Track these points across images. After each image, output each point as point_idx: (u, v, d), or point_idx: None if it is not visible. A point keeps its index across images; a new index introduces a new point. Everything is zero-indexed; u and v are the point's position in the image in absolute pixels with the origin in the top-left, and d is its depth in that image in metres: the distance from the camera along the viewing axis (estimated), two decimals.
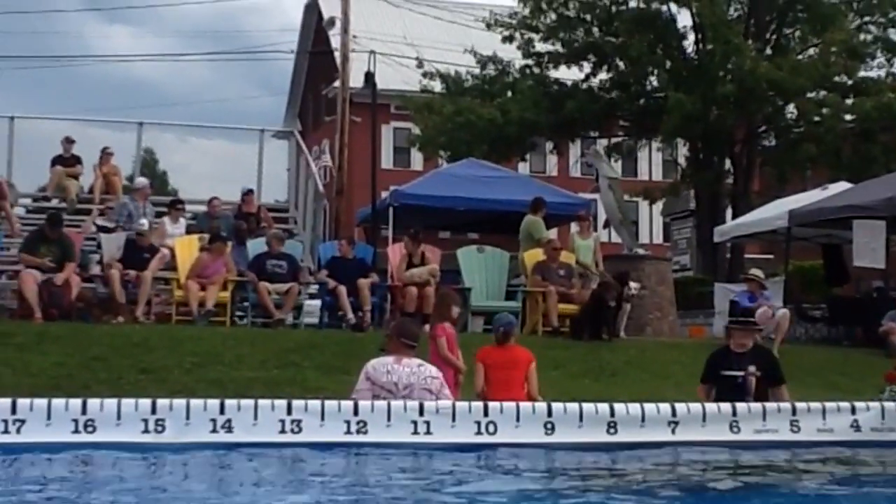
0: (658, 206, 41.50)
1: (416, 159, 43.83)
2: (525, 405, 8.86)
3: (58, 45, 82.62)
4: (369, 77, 26.77)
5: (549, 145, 38.26)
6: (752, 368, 10.22)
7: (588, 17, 33.79)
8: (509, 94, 34.03)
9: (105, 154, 23.70)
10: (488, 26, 34.27)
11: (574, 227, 20.97)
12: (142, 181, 22.19)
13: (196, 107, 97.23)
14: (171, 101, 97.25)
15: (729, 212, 34.23)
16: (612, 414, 8.87)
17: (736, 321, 11.08)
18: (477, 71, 34.90)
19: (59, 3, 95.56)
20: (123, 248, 17.91)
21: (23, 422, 8.10)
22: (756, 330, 10.88)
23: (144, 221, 18.48)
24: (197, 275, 17.49)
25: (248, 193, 21.72)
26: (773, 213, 22.73)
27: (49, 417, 8.16)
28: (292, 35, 63.98)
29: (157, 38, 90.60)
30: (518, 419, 8.64)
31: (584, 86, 34.42)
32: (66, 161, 23.26)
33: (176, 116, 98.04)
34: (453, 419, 8.54)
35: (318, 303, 18.44)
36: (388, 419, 8.45)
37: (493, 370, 11.28)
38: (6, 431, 8.08)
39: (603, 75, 34.45)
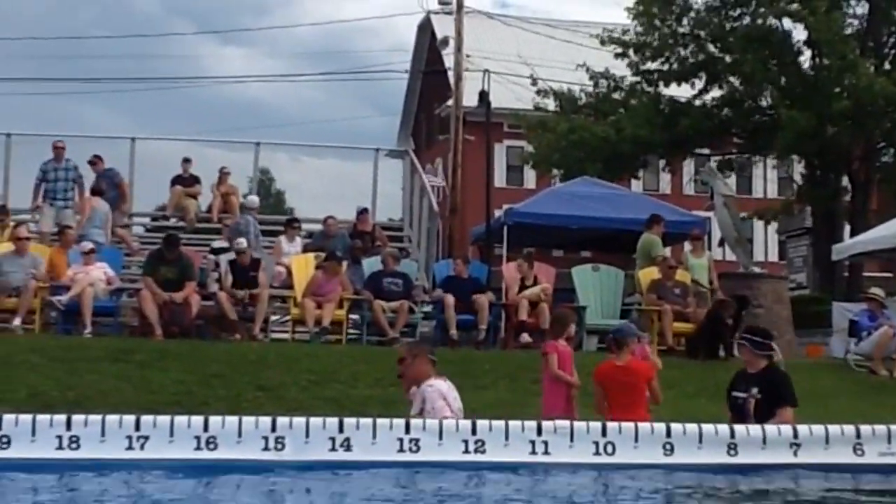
0: (773, 224, 41.03)
1: (529, 178, 43.82)
2: (644, 426, 8.77)
3: (174, 68, 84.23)
4: (483, 96, 26.89)
5: (661, 163, 38.03)
6: (753, 391, 9.87)
7: (701, 33, 33.56)
8: (622, 111, 33.90)
9: (223, 174, 24.05)
10: (602, 43, 34.15)
11: (687, 245, 20.80)
12: (253, 199, 22.44)
13: (307, 127, 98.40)
14: (283, 121, 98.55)
15: (846, 229, 33.72)
16: (733, 435, 8.76)
17: (741, 338, 10.81)
18: (590, 88, 34.83)
19: (175, 27, 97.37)
20: (229, 267, 18.13)
21: (146, 438, 8.22)
22: (758, 353, 10.26)
23: (242, 240, 18.64)
24: (313, 293, 17.65)
25: (363, 212, 21.86)
26: (893, 230, 22.33)
27: (172, 434, 8.26)
28: (402, 55, 64.49)
29: (270, 59, 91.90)
30: (636, 440, 8.58)
31: (698, 102, 34.17)
32: (186, 181, 23.63)
33: (288, 136, 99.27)
34: (571, 439, 8.50)
35: (432, 323, 18.54)
36: (507, 438, 8.43)
37: (612, 392, 11.04)
38: (130, 448, 8.19)
39: (716, 92, 34.18)
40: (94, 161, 22.20)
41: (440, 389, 9.35)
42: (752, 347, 10.07)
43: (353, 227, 21.38)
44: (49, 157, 21.48)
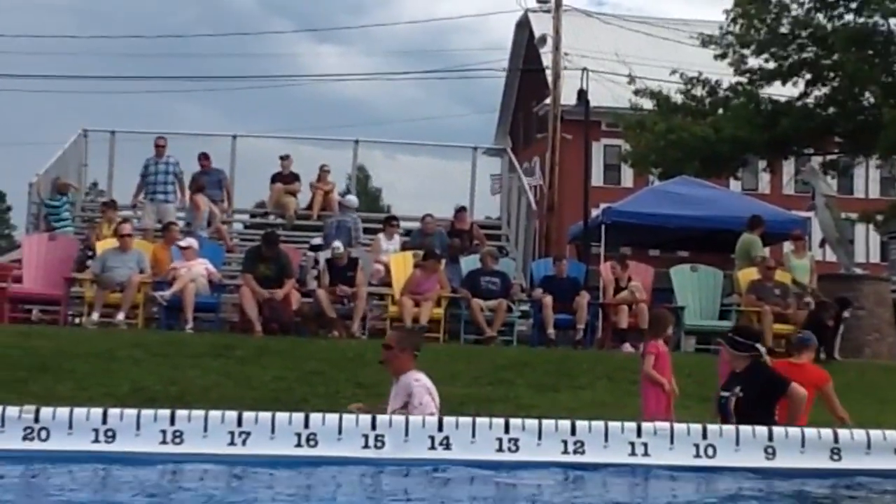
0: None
1: (627, 176, 43.62)
2: (745, 429, 8.67)
3: (272, 66, 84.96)
4: (582, 94, 26.75)
5: (761, 163, 37.60)
6: (736, 389, 9.65)
7: (802, 33, 33.12)
8: (720, 111, 33.55)
9: (322, 171, 24.21)
10: (703, 44, 33.83)
11: (788, 245, 20.57)
12: (352, 199, 22.55)
13: (403, 125, 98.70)
14: (379, 119, 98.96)
15: None
16: (836, 440, 8.64)
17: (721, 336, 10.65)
18: (687, 87, 34.51)
19: (273, 26, 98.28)
20: (327, 264, 18.26)
21: (248, 434, 8.30)
22: (737, 354, 9.99)
23: (338, 244, 18.71)
24: (411, 291, 17.73)
25: (461, 211, 21.89)
26: None
27: (273, 431, 8.34)
28: (499, 53, 64.55)
29: (366, 57, 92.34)
30: (738, 443, 8.50)
31: (799, 103, 33.72)
32: (285, 178, 23.82)
33: (384, 134, 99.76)
34: (671, 441, 8.44)
35: (529, 321, 18.53)
36: (606, 439, 8.40)
37: None
38: (232, 443, 8.28)
39: (817, 92, 33.71)
40: (203, 158, 22.47)
41: (427, 385, 9.39)
42: (730, 347, 9.86)
43: (450, 226, 21.41)
44: (151, 154, 21.85)
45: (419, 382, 9.37)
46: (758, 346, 9.84)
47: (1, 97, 26.83)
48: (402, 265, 18.73)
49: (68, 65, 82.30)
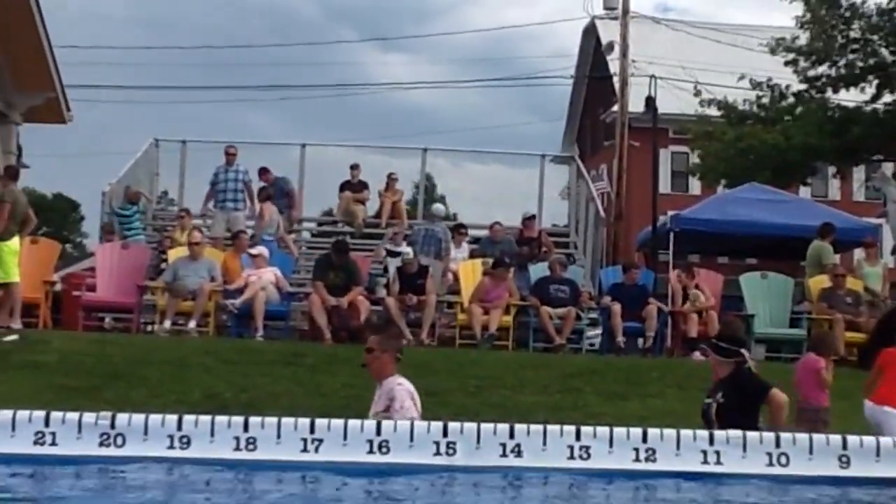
0: None
1: (694, 184, 43.29)
2: (819, 437, 8.59)
3: (338, 75, 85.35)
4: (650, 102, 26.65)
5: (831, 169, 37.23)
6: (717, 395, 9.53)
7: (874, 38, 32.77)
8: (788, 118, 33.25)
9: (390, 179, 24.33)
10: (772, 51, 33.56)
11: (859, 253, 20.37)
12: (440, 207, 22.52)
13: (469, 133, 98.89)
14: (445, 127, 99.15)
15: None
16: None
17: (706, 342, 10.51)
18: (755, 94, 34.24)
19: (338, 35, 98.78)
20: (397, 272, 18.33)
21: (321, 441, 8.35)
22: (721, 360, 9.85)
23: (409, 249, 18.78)
24: (480, 299, 17.76)
25: (529, 219, 21.87)
26: None
27: (345, 438, 8.37)
28: (564, 61, 64.43)
29: (433, 65, 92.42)
30: (811, 452, 8.42)
31: (868, 108, 33.36)
32: (354, 187, 23.96)
33: (450, 142, 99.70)
34: (744, 449, 8.38)
35: (598, 329, 18.49)
36: (678, 448, 8.36)
37: (890, 373, 11.27)
38: (305, 450, 8.33)
39: (888, 97, 33.33)
40: (263, 173, 22.59)
41: (409, 389, 9.35)
42: (714, 353, 9.80)
43: (519, 234, 21.41)
44: (221, 163, 22.01)
45: (402, 386, 9.35)
46: (742, 351, 9.79)
47: (74, 107, 27.18)
48: (470, 273, 18.77)
49: (140, 75, 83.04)
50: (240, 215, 21.37)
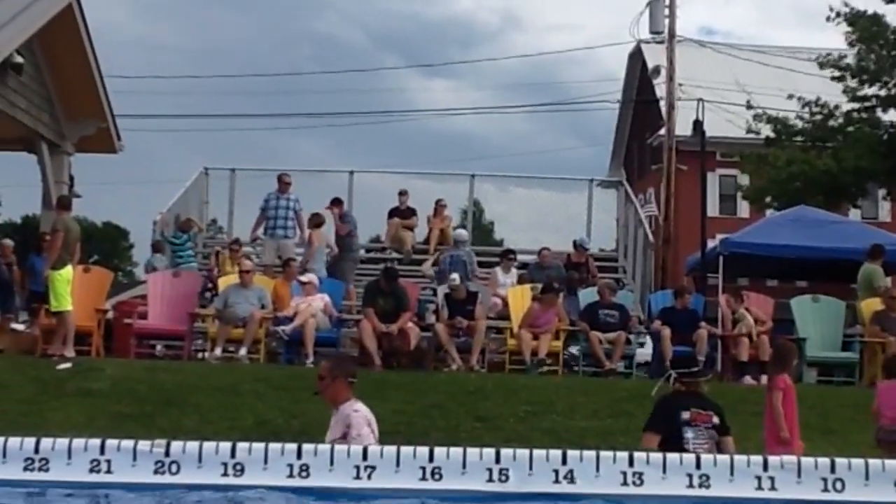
0: None
1: (743, 207, 43.16)
2: (875, 462, 8.49)
3: (384, 102, 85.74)
4: (697, 125, 26.52)
5: (881, 191, 36.98)
6: None
7: None
8: (840, 138, 33.04)
9: (438, 206, 24.38)
10: (821, 66, 33.38)
11: None
12: (462, 233, 22.59)
13: (515, 158, 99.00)
14: (490, 152, 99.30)
15: None
16: None
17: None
18: (805, 115, 34.07)
19: (383, 62, 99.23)
20: (446, 298, 18.37)
21: (374, 468, 8.36)
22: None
23: (455, 276, 18.82)
24: (529, 324, 17.76)
25: (579, 245, 21.90)
26: None
27: (398, 465, 8.37)
28: (608, 85, 64.46)
29: (477, 91, 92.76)
30: (867, 477, 8.33)
31: None
32: (403, 213, 24.03)
33: (495, 167, 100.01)
34: (798, 475, 8.32)
35: (648, 353, 18.44)
36: (731, 473, 8.29)
37: None
38: (358, 477, 8.34)
39: None
40: (336, 204, 22.55)
41: (366, 415, 9.39)
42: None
43: (567, 259, 21.40)
44: (271, 190, 22.07)
45: (358, 413, 9.39)
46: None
47: (123, 136, 27.43)
48: (519, 298, 18.78)
49: (188, 103, 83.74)
50: (289, 243, 21.44)
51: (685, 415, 9.65)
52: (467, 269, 20.40)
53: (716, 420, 9.51)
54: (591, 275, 21.18)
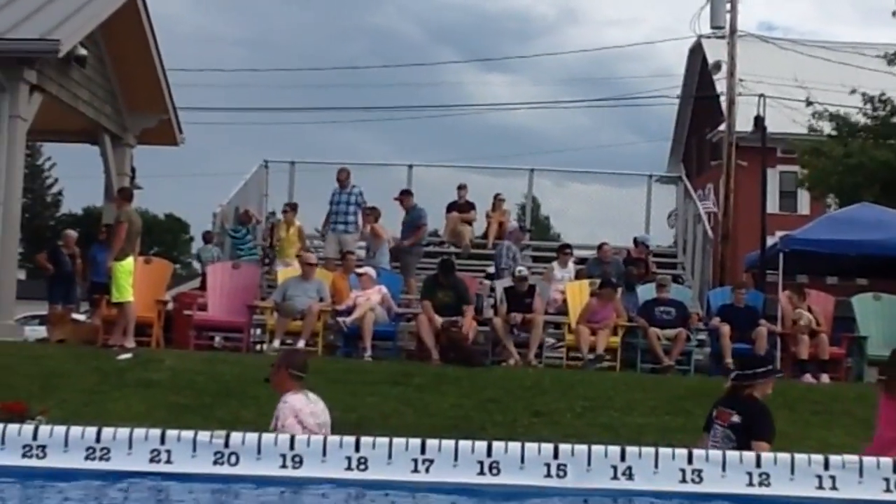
0: None
1: (803, 203, 42.85)
2: None
3: (440, 96, 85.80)
4: (758, 121, 26.38)
5: None
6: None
7: None
8: None
9: (497, 200, 24.39)
10: (889, 63, 33.02)
11: None
12: (511, 224, 22.63)
13: (572, 153, 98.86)
14: (547, 147, 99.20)
15: None
16: None
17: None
18: (868, 111, 33.74)
19: (440, 55, 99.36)
20: (505, 293, 18.35)
21: (431, 462, 8.37)
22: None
23: (522, 267, 18.83)
24: (587, 319, 17.71)
25: (640, 241, 21.86)
26: None
27: (456, 459, 8.38)
28: (666, 80, 64.20)
29: (534, 85, 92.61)
30: None
31: None
32: (461, 207, 24.03)
33: (553, 162, 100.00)
34: (860, 475, 8.23)
35: (707, 350, 18.34)
36: (792, 472, 8.22)
37: None
38: (416, 470, 8.36)
39: None
40: (402, 198, 22.61)
41: (293, 406, 9.37)
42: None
43: (626, 254, 21.35)
44: (329, 182, 22.21)
45: (286, 404, 9.41)
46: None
47: (186, 129, 27.65)
48: (577, 293, 18.73)
49: (247, 97, 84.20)
50: (348, 237, 21.48)
51: (714, 413, 9.56)
52: (517, 261, 20.53)
53: (735, 419, 9.28)
54: (650, 271, 21.09)
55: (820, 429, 11.90)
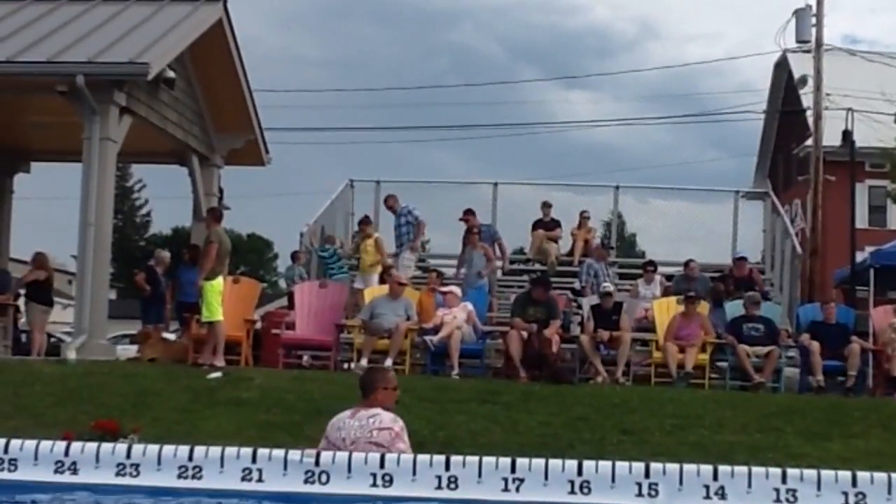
0: None
1: (893, 218, 42.30)
2: None
3: (522, 113, 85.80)
4: (847, 135, 26.12)
5: None
6: None
7: None
8: None
9: (582, 218, 24.34)
10: None
11: None
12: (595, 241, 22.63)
13: (655, 170, 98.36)
14: (630, 164, 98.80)
15: None
16: None
17: None
18: None
19: (520, 73, 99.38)
20: (591, 311, 18.29)
21: (521, 481, 8.33)
22: None
23: (608, 284, 18.77)
24: (675, 336, 17.60)
25: (740, 259, 21.71)
26: None
27: (546, 478, 8.35)
28: (749, 96, 63.74)
29: (616, 102, 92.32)
30: None
31: None
32: (547, 225, 24.04)
33: (635, 179, 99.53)
34: (888, 492, 8.08)
35: (796, 368, 18.14)
36: (889, 492, 8.10)
37: None
38: (506, 489, 8.32)
39: None
40: (467, 217, 22.70)
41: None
42: None
43: (729, 272, 21.21)
44: (412, 202, 22.41)
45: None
46: None
47: (271, 149, 27.90)
48: (665, 310, 18.61)
49: (332, 117, 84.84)
50: (400, 259, 21.75)
51: None
52: (599, 278, 20.50)
53: None
54: (759, 287, 20.76)
55: None
